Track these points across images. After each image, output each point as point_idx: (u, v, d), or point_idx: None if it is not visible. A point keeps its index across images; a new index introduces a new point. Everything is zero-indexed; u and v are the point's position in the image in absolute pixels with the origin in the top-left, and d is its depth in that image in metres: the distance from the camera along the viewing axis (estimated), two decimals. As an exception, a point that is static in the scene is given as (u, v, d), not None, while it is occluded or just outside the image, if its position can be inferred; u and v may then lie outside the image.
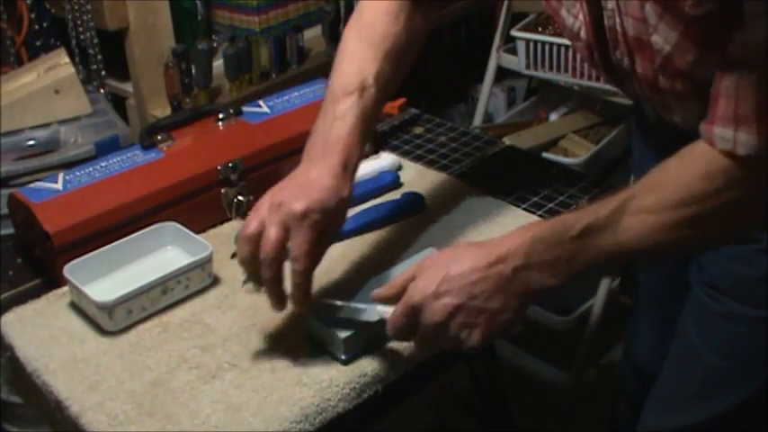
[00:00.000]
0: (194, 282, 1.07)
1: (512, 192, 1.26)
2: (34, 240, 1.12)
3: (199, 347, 0.99)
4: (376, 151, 1.37)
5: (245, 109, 1.31)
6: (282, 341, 0.99)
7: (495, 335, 0.88)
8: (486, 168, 1.34)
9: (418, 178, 1.31)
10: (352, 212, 1.20)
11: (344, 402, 0.93)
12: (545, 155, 2.11)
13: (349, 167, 0.96)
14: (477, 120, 2.31)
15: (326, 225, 0.92)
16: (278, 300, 0.93)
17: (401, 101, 1.52)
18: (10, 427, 1.55)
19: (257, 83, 1.91)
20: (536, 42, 2.06)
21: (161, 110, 1.84)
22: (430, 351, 0.97)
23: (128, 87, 1.88)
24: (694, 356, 1.13)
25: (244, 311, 1.04)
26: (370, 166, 1.30)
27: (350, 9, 1.96)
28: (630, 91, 1.02)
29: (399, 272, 1.02)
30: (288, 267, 0.92)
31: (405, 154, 1.38)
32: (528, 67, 2.12)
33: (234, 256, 1.11)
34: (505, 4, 2.15)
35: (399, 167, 1.33)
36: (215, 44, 1.97)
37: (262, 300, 0.95)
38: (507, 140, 1.80)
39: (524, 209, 1.22)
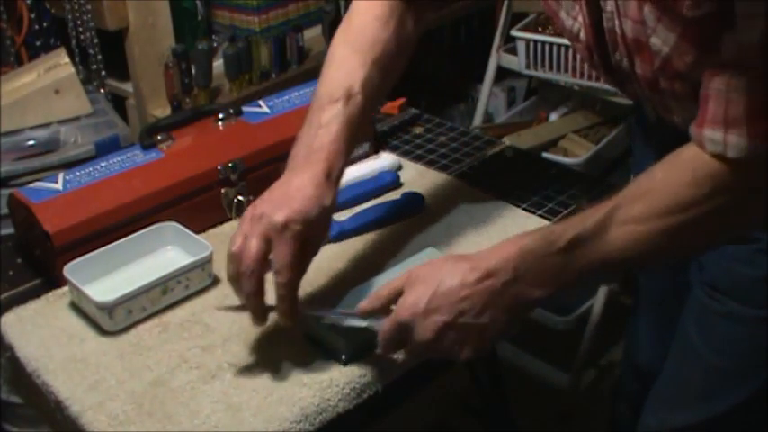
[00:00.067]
0: (194, 282, 1.07)
1: (512, 192, 1.26)
2: (34, 240, 1.12)
3: (199, 347, 0.99)
4: (376, 151, 1.37)
5: (245, 109, 1.31)
6: (282, 341, 0.99)
7: (487, 347, 0.89)
8: (486, 168, 1.34)
9: (418, 178, 1.31)
10: (352, 212, 1.21)
11: (344, 402, 0.93)
12: (545, 155, 2.11)
13: (332, 176, 0.95)
14: (477, 120, 2.31)
15: (309, 235, 0.91)
16: (258, 314, 0.93)
17: (401, 101, 1.52)
18: (10, 427, 1.55)
19: (257, 83, 1.91)
20: (536, 42, 2.06)
21: (161, 110, 1.84)
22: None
23: (128, 87, 1.88)
24: (694, 356, 1.13)
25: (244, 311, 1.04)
26: (370, 166, 1.30)
27: (350, 9, 1.96)
28: (630, 91, 1.02)
29: (399, 272, 1.02)
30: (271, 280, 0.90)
31: (405, 154, 1.38)
32: (528, 67, 2.12)
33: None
34: (505, 4, 2.15)
35: (399, 167, 1.33)
36: (215, 44, 1.97)
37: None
38: (507, 140, 1.79)
39: (524, 209, 1.22)
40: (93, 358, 0.98)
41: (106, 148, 1.56)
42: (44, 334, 1.02)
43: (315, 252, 0.95)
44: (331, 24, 2.00)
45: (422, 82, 2.56)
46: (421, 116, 1.51)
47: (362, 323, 0.92)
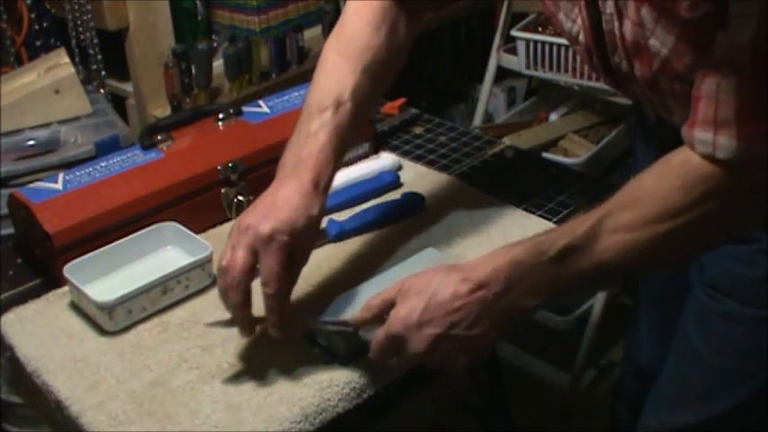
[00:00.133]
0: (194, 282, 1.07)
1: (512, 192, 1.26)
2: (34, 240, 1.12)
3: (199, 347, 0.99)
4: (376, 151, 1.37)
5: (245, 109, 1.31)
6: (282, 341, 0.99)
7: (481, 356, 0.89)
8: (485, 168, 1.34)
9: (418, 178, 1.31)
10: (352, 212, 1.21)
11: (344, 402, 0.93)
12: (545, 155, 2.11)
13: (320, 185, 0.95)
14: (477, 120, 2.31)
15: (296, 245, 0.91)
16: (245, 326, 0.93)
17: (401, 101, 1.52)
18: (10, 427, 1.55)
19: (257, 83, 1.91)
20: (536, 42, 2.06)
21: (161, 110, 1.84)
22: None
23: (128, 87, 1.88)
24: (695, 356, 1.13)
25: (244, 311, 1.04)
26: (370, 166, 1.30)
27: (350, 9, 1.96)
28: (630, 92, 1.01)
29: (399, 272, 1.03)
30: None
31: (405, 154, 1.38)
32: (528, 67, 2.12)
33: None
34: (505, 4, 2.15)
35: (399, 167, 1.33)
36: (215, 44, 1.97)
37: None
38: (507, 140, 1.79)
39: (524, 209, 1.22)
40: (93, 358, 0.98)
41: (106, 148, 1.56)
42: (44, 334, 1.02)
43: (304, 262, 0.95)
44: (331, 24, 1.99)
45: (422, 82, 2.56)
46: (421, 116, 1.51)
47: (355, 332, 0.92)
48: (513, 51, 2.16)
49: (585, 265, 0.85)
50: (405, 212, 1.21)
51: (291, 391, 0.93)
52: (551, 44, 2.03)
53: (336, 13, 2.00)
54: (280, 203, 0.91)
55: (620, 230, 0.84)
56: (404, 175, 1.30)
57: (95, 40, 1.80)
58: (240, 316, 0.91)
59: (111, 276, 1.09)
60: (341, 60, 1.02)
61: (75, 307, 1.06)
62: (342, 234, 1.16)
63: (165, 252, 1.13)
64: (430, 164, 1.35)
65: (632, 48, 0.89)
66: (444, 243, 1.14)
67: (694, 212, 0.82)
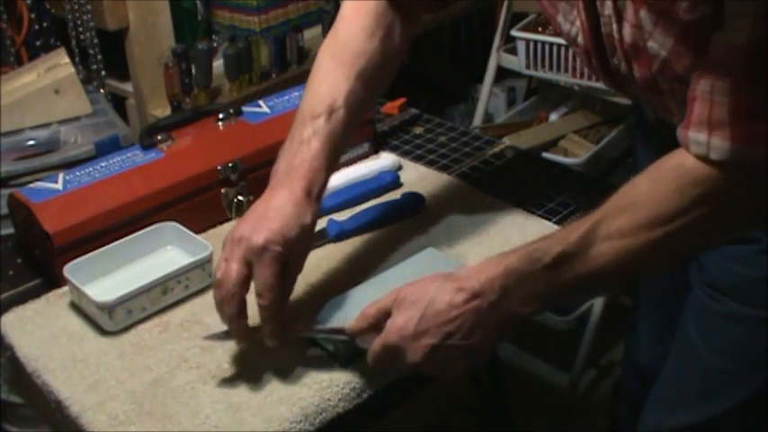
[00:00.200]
0: (194, 282, 1.07)
1: (512, 192, 1.26)
2: (34, 240, 1.12)
3: (199, 347, 0.99)
4: (376, 151, 1.37)
5: (245, 109, 1.31)
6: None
7: (478, 364, 0.89)
8: (486, 168, 1.34)
9: (418, 178, 1.31)
10: (352, 212, 1.21)
11: (344, 402, 0.93)
12: (545, 155, 2.11)
13: (313, 193, 0.95)
14: (477, 120, 2.31)
15: (290, 254, 0.91)
16: (242, 337, 0.93)
17: (401, 101, 1.52)
18: (10, 427, 1.55)
19: (257, 83, 1.91)
20: (536, 42, 2.06)
21: (161, 110, 1.84)
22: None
23: (128, 87, 1.88)
24: (695, 356, 1.13)
25: (244, 311, 1.04)
26: (370, 166, 1.30)
27: (350, 9, 1.96)
28: (630, 93, 1.01)
29: (399, 272, 1.03)
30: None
31: (405, 154, 1.38)
32: (528, 67, 2.12)
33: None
34: (505, 4, 2.15)
35: (399, 167, 1.33)
36: (215, 44, 1.97)
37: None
38: (507, 140, 1.80)
39: (524, 209, 1.22)
40: (93, 358, 0.98)
41: (106, 148, 1.56)
42: (44, 334, 1.02)
43: (298, 270, 0.95)
44: (331, 24, 1.99)
45: (422, 82, 2.56)
46: (421, 116, 1.51)
47: (351, 340, 0.92)
48: (513, 51, 2.16)
49: (580, 271, 0.85)
50: (405, 212, 1.21)
51: (291, 391, 0.93)
52: (551, 44, 2.03)
53: (336, 14, 2.00)
54: (272, 213, 0.91)
55: (614, 236, 0.83)
56: (404, 175, 1.30)
57: (95, 40, 1.80)
58: (236, 327, 0.91)
59: (111, 276, 1.09)
60: (335, 66, 1.02)
61: (75, 307, 1.06)
62: (342, 234, 1.16)
63: (164, 252, 1.13)
64: (430, 164, 1.35)
65: (631, 50, 0.89)
66: (444, 243, 1.14)
67: (689, 216, 0.81)
